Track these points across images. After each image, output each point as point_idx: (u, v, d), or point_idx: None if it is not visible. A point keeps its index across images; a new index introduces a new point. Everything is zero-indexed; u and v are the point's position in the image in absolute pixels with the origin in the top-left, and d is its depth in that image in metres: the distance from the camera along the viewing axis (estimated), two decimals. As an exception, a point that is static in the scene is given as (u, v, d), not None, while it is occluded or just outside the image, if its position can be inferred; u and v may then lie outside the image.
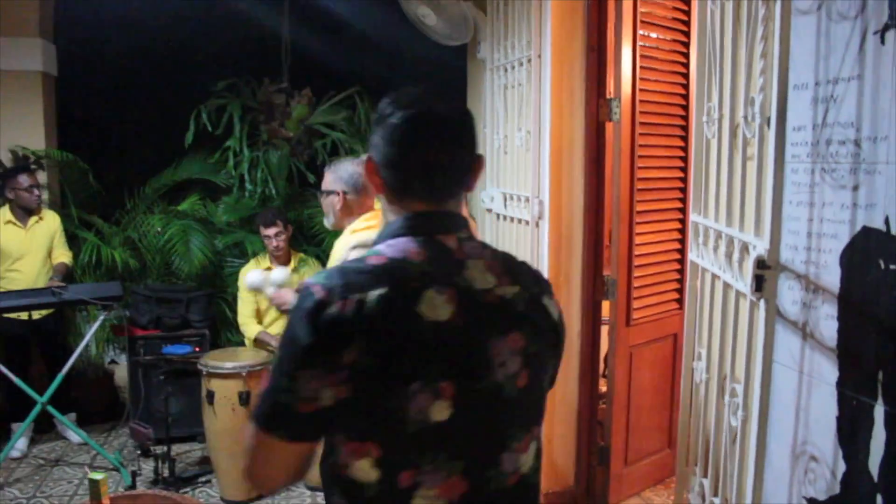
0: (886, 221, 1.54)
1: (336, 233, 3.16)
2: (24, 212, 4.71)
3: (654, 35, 3.64)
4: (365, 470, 1.21)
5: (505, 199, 4.00)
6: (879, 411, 1.57)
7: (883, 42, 1.53)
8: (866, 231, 1.59)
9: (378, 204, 2.44)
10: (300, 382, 1.19)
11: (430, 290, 1.23)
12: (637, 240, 3.64)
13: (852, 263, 1.64)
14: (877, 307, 1.57)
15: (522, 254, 3.76)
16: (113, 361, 5.61)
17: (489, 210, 4.27)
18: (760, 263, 1.55)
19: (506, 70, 3.95)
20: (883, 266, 1.55)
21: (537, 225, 3.61)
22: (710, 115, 2.13)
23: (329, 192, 2.96)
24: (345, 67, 5.58)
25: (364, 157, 1.41)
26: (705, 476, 2.24)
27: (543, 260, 3.58)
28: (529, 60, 3.62)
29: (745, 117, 1.84)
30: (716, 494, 2.16)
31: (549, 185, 3.52)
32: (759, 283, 1.56)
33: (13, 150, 5.23)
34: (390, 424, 1.20)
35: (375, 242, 1.35)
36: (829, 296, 1.70)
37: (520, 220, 3.81)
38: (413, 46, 4.96)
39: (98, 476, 2.81)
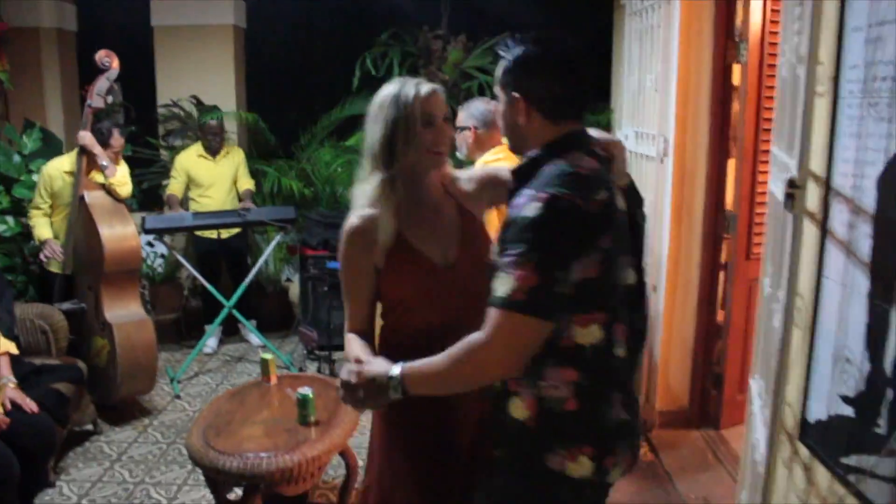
0: (910, 148, 1.73)
1: (466, 163, 3.56)
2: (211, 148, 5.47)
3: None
4: (594, 333, 1.60)
5: (637, 137, 4.23)
6: (894, 316, 1.79)
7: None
8: None
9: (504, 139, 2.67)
10: (573, 271, 1.52)
11: (613, 189, 1.64)
12: (760, 178, 3.77)
13: (885, 186, 1.84)
14: (897, 224, 1.77)
15: (649, 188, 4.01)
16: (288, 280, 6.36)
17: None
18: (791, 183, 1.78)
19: (641, 14, 4.14)
20: (906, 188, 1.75)
21: (662, 161, 3.82)
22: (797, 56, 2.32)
23: (462, 128, 3.35)
24: (497, 14, 5.92)
25: (495, 98, 1.76)
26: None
27: (666, 194, 3.80)
28: (662, 4, 3.80)
29: (819, 61, 2.06)
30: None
31: (674, 124, 3.72)
32: (790, 200, 1.79)
33: (193, 95, 6.03)
34: (614, 292, 1.63)
35: (550, 153, 1.65)
36: (867, 217, 1.91)
37: (647, 157, 4.04)
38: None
39: (268, 356, 3.43)
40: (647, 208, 3.91)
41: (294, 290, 6.14)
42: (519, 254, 1.50)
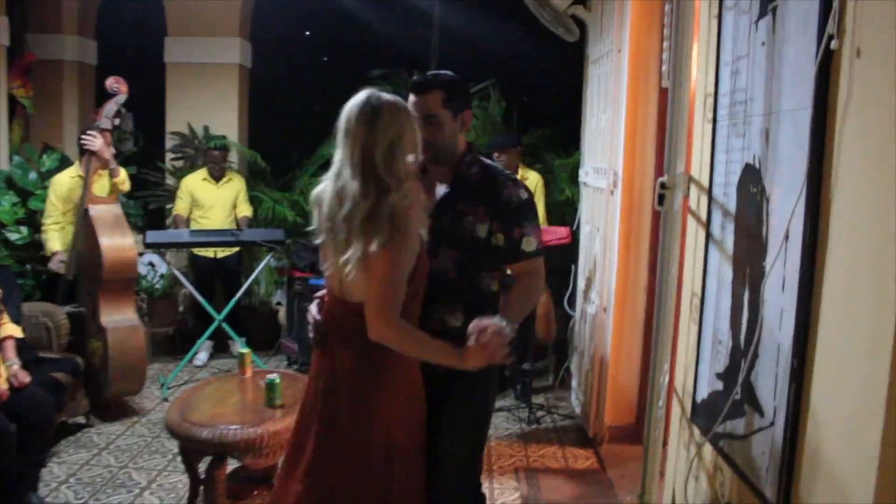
0: (755, 157, 2.13)
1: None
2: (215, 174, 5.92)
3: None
4: None
5: (594, 172, 4.63)
6: (745, 296, 2.16)
7: (756, 28, 2.12)
8: (747, 166, 2.18)
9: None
10: None
11: None
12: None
13: (740, 192, 2.23)
14: (747, 219, 2.16)
15: (601, 217, 4.40)
16: (279, 304, 6.74)
17: (585, 183, 4.91)
18: (662, 185, 2.16)
19: (598, 62, 4.58)
20: (752, 189, 2.14)
21: (612, 192, 4.21)
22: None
23: None
24: (483, 63, 6.42)
25: None
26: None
27: (615, 222, 4.17)
28: (614, 52, 4.23)
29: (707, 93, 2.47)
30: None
31: (622, 158, 4.11)
32: (661, 199, 2.17)
33: (204, 126, 6.54)
34: None
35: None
36: (731, 218, 2.29)
37: (601, 190, 4.43)
38: (539, 49, 5.71)
39: (245, 350, 3.78)
40: (600, 235, 4.32)
41: (283, 313, 6.51)
42: (536, 222, 2.39)
